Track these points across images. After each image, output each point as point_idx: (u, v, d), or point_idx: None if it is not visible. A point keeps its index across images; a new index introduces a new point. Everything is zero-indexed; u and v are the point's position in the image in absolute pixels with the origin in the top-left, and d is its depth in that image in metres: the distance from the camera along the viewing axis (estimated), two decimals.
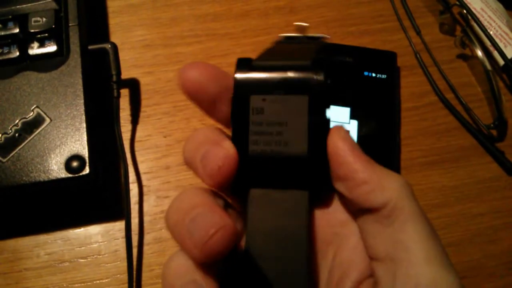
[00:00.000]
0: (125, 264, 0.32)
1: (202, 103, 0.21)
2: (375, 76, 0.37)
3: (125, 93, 0.37)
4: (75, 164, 0.31)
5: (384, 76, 0.37)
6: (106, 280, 0.32)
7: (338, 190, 0.20)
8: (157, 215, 0.34)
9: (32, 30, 0.34)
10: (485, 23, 0.39)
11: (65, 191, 0.33)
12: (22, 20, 0.34)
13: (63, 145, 0.31)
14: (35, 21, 0.34)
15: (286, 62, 0.20)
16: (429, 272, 0.17)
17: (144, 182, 0.35)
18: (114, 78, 0.35)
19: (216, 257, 0.17)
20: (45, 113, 0.32)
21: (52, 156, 0.31)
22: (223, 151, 0.19)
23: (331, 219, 0.21)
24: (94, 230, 0.34)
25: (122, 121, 0.35)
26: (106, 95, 0.35)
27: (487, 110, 0.38)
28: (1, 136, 0.31)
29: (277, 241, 0.19)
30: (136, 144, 0.36)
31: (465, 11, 0.38)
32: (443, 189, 0.36)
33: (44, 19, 0.34)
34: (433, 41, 0.40)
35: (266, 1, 0.42)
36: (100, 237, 0.33)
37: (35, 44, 0.34)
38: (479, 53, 0.37)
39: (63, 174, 0.30)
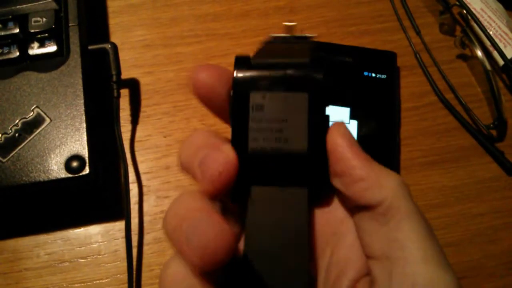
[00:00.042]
0: (125, 264, 0.32)
1: (213, 106, 0.21)
2: (375, 76, 0.37)
3: (125, 93, 0.37)
4: (75, 164, 0.31)
5: (384, 76, 0.37)
6: (106, 280, 0.32)
7: (335, 186, 0.20)
8: (157, 215, 0.34)
9: (32, 30, 0.34)
10: (485, 23, 0.39)
11: (65, 191, 0.33)
12: (22, 20, 0.34)
13: (63, 145, 0.31)
14: (35, 21, 0.34)
15: (285, 60, 0.20)
16: (426, 272, 0.17)
17: (144, 182, 0.35)
18: (114, 78, 0.35)
19: (216, 265, 0.17)
20: (45, 113, 0.32)
21: (52, 156, 0.31)
22: (223, 156, 0.18)
23: (330, 218, 0.21)
24: (94, 230, 0.34)
25: (122, 121, 0.35)
26: (106, 95, 0.35)
27: (486, 110, 0.38)
28: (1, 136, 0.31)
29: (277, 239, 0.19)
30: (136, 144, 0.36)
31: (465, 11, 0.38)
32: (443, 189, 0.36)
33: (44, 19, 0.34)
34: (433, 41, 0.40)
35: (266, 1, 0.42)
36: (100, 237, 0.33)
37: (35, 44, 0.34)
38: (479, 53, 0.37)
39: (63, 174, 0.30)
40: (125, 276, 0.32)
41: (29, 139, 0.31)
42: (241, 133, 0.19)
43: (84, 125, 0.32)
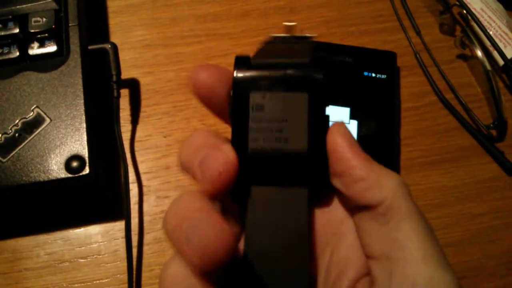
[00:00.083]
0: (125, 264, 0.32)
1: (213, 106, 0.21)
2: (375, 76, 0.37)
3: (125, 93, 0.37)
4: (75, 164, 0.31)
5: (384, 76, 0.37)
6: (106, 280, 0.32)
7: (335, 186, 0.20)
8: (157, 215, 0.34)
9: (32, 30, 0.34)
10: (485, 23, 0.39)
11: (65, 191, 0.33)
12: (22, 20, 0.34)
13: (63, 145, 0.31)
14: (35, 21, 0.34)
15: (285, 60, 0.20)
16: (426, 272, 0.17)
17: (144, 182, 0.35)
18: (114, 78, 0.35)
19: (216, 265, 0.17)
20: (45, 113, 0.32)
21: (52, 156, 0.31)
22: (223, 156, 0.18)
23: (330, 218, 0.21)
24: (94, 230, 0.34)
25: (122, 121, 0.35)
26: (106, 95, 0.35)
27: (486, 110, 0.38)
28: (1, 136, 0.31)
29: (276, 239, 0.19)
30: (136, 144, 0.36)
31: (465, 11, 0.38)
32: (443, 189, 0.36)
33: (44, 19, 0.34)
34: (433, 41, 0.40)
35: (266, 1, 0.42)
36: (100, 237, 0.33)
37: (35, 44, 0.34)
38: (479, 53, 0.37)
39: (63, 174, 0.30)
40: (125, 276, 0.32)
41: (29, 139, 0.31)
42: (241, 133, 0.19)
43: (84, 125, 0.32)
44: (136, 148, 0.36)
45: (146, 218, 0.34)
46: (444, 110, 0.38)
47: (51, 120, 0.32)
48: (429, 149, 0.37)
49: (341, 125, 0.20)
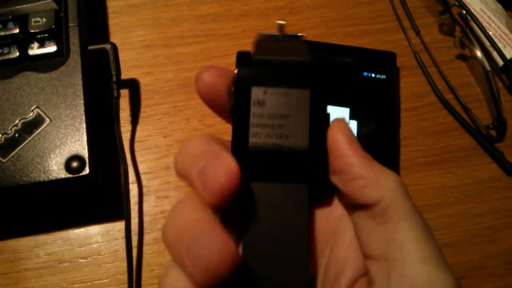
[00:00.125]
0: (125, 264, 0.32)
1: (216, 106, 0.21)
2: (375, 77, 0.37)
3: (125, 93, 0.38)
4: (75, 164, 0.31)
5: (383, 77, 0.37)
6: (106, 280, 0.32)
7: (334, 184, 0.20)
8: (157, 216, 0.34)
9: (32, 31, 0.34)
10: (484, 24, 0.39)
11: (65, 191, 0.33)
12: (22, 20, 0.34)
13: (63, 146, 0.31)
14: (35, 22, 0.34)
15: (286, 57, 0.20)
16: (424, 272, 0.17)
17: (144, 183, 0.35)
18: (114, 79, 0.35)
19: (218, 281, 0.16)
20: (45, 114, 0.32)
21: (52, 156, 0.31)
22: (225, 166, 0.17)
23: (330, 217, 0.21)
24: (94, 230, 0.34)
25: (122, 121, 0.35)
26: (106, 95, 0.35)
27: (486, 111, 0.38)
28: (1, 136, 0.31)
29: (276, 236, 0.19)
30: (136, 144, 0.36)
31: (464, 11, 0.38)
32: (443, 189, 0.36)
33: (44, 19, 0.34)
34: (433, 42, 0.40)
35: (266, 2, 0.42)
36: (100, 237, 0.33)
37: (35, 45, 0.34)
38: (479, 53, 0.37)
39: (63, 174, 0.31)
40: (125, 276, 0.32)
41: (29, 139, 0.31)
42: (242, 128, 0.19)
43: (84, 125, 0.32)
44: (136, 148, 0.36)
45: (146, 218, 0.34)
46: (444, 110, 0.38)
47: (51, 120, 0.32)
48: (429, 149, 0.37)
49: (341, 121, 0.20)
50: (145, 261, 0.33)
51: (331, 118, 0.20)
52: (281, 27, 0.22)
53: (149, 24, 0.40)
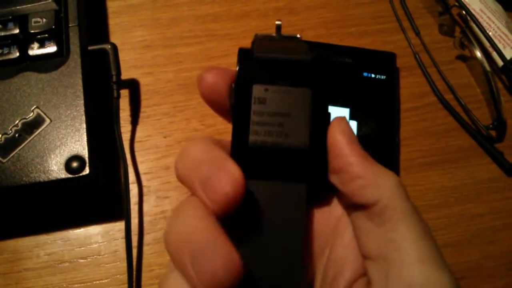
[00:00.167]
0: (125, 264, 0.32)
1: (218, 106, 0.21)
2: (375, 77, 0.37)
3: (125, 93, 0.38)
4: (75, 164, 0.31)
5: (383, 77, 0.37)
6: (106, 281, 0.32)
7: (333, 183, 0.20)
8: (157, 216, 0.34)
9: (32, 31, 0.34)
10: (484, 24, 0.39)
11: (65, 192, 0.33)
12: (22, 20, 0.34)
13: (63, 146, 0.31)
14: (35, 22, 0.34)
15: (288, 55, 0.20)
16: (422, 272, 0.17)
17: (144, 183, 0.35)
18: (114, 79, 0.35)
19: None
20: (45, 114, 0.32)
21: (52, 156, 0.31)
22: (229, 175, 0.17)
23: (329, 218, 0.21)
24: (94, 230, 0.34)
25: (122, 122, 0.35)
26: (106, 95, 0.35)
27: (486, 111, 0.38)
28: (1, 136, 0.31)
29: (273, 234, 0.19)
30: (136, 145, 0.36)
31: (464, 12, 0.38)
32: (443, 189, 0.36)
33: (44, 19, 0.34)
34: (432, 42, 0.40)
35: (265, 2, 0.42)
36: (100, 238, 0.33)
37: (35, 45, 0.34)
38: (478, 54, 0.37)
39: (63, 174, 0.31)
40: (125, 277, 0.32)
41: (29, 139, 0.31)
42: (242, 125, 0.19)
43: (84, 125, 0.32)
44: (136, 149, 0.36)
45: (146, 219, 0.34)
46: (444, 110, 0.38)
47: (51, 121, 0.32)
48: (429, 150, 0.37)
49: (342, 120, 0.20)
50: (145, 261, 0.33)
51: (332, 118, 0.20)
52: (278, 27, 0.22)
53: (149, 25, 0.40)
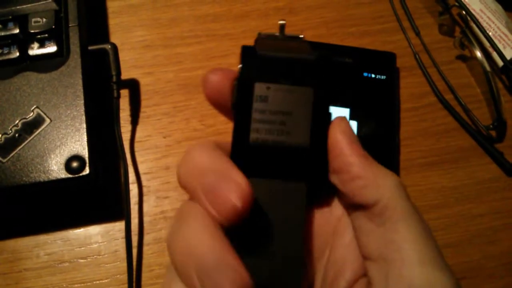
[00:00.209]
0: (125, 264, 0.32)
1: (224, 108, 0.20)
2: (375, 77, 0.37)
3: (125, 93, 0.38)
4: (75, 164, 0.31)
5: (383, 77, 0.37)
6: (106, 281, 0.32)
7: (333, 183, 0.20)
8: (157, 216, 0.34)
9: (32, 31, 0.34)
10: (484, 24, 0.39)
11: (65, 192, 0.33)
12: (22, 20, 0.34)
13: (63, 146, 0.31)
14: (35, 22, 0.34)
15: (291, 54, 0.20)
16: (422, 273, 0.17)
17: (144, 183, 0.35)
18: (114, 79, 0.35)
19: None
20: (45, 114, 0.32)
21: (52, 156, 0.31)
22: (237, 186, 0.17)
23: (330, 218, 0.21)
24: (94, 230, 0.34)
25: (122, 122, 0.35)
26: (106, 95, 0.35)
27: (486, 111, 0.38)
28: (1, 136, 0.31)
29: (271, 234, 0.19)
30: (136, 145, 0.36)
31: (464, 12, 0.38)
32: (443, 190, 0.36)
33: (44, 19, 0.34)
34: (432, 42, 0.40)
35: (265, 2, 0.42)
36: (100, 238, 0.33)
37: (35, 45, 0.34)
38: (478, 54, 0.37)
39: (63, 174, 0.31)
40: (125, 277, 0.32)
41: (29, 139, 0.31)
42: (244, 123, 0.19)
43: (84, 125, 0.32)
44: (136, 149, 0.36)
45: (146, 219, 0.34)
46: (444, 111, 0.38)
47: (51, 121, 0.32)
48: (429, 150, 0.37)
49: (343, 120, 0.20)
50: (145, 261, 0.33)
51: (333, 117, 0.20)
52: (282, 27, 0.22)
53: (149, 24, 0.40)
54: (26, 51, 0.34)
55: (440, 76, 0.39)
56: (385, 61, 0.38)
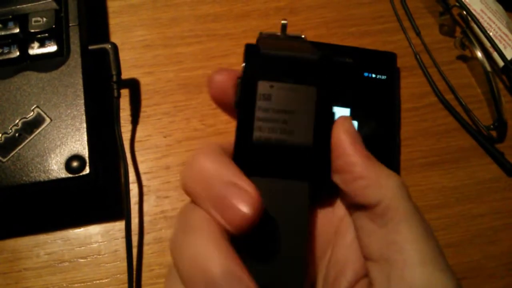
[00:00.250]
0: (125, 264, 0.32)
1: (229, 108, 0.20)
2: (375, 77, 0.37)
3: (125, 93, 0.37)
4: (75, 164, 0.31)
5: (384, 77, 0.37)
6: (106, 280, 0.32)
7: (335, 183, 0.20)
8: (157, 215, 0.34)
9: (32, 30, 0.34)
10: (484, 25, 0.39)
11: (65, 191, 0.33)
12: (22, 20, 0.34)
13: (63, 145, 0.31)
14: (35, 21, 0.34)
15: (294, 53, 0.20)
16: (423, 274, 0.17)
17: (144, 182, 0.35)
18: (114, 78, 0.35)
19: None
20: (45, 113, 0.32)
21: (52, 156, 0.31)
22: (247, 195, 0.16)
23: (332, 218, 0.21)
24: (94, 230, 0.34)
25: (122, 121, 0.35)
26: (106, 95, 0.35)
27: (486, 111, 0.38)
28: (1, 136, 0.31)
29: (274, 231, 0.19)
30: (136, 144, 0.36)
31: (465, 12, 0.38)
32: (443, 190, 0.36)
33: (44, 19, 0.34)
34: (433, 42, 0.40)
35: (266, 2, 0.42)
36: (100, 237, 0.33)
37: (35, 44, 0.34)
38: (479, 54, 0.37)
39: (63, 174, 0.30)
40: (125, 276, 0.32)
41: (29, 139, 0.31)
42: (247, 121, 0.19)
43: (84, 125, 0.32)
44: (136, 148, 0.36)
45: (146, 218, 0.34)
46: (444, 111, 0.38)
47: (51, 120, 0.32)
48: (429, 150, 0.37)
49: (346, 119, 0.20)
50: (145, 261, 0.33)
51: (336, 117, 0.20)
52: (284, 26, 0.22)
53: (150, 24, 0.40)
54: (26, 51, 0.34)
55: (441, 76, 0.39)
56: (385, 61, 0.38)
